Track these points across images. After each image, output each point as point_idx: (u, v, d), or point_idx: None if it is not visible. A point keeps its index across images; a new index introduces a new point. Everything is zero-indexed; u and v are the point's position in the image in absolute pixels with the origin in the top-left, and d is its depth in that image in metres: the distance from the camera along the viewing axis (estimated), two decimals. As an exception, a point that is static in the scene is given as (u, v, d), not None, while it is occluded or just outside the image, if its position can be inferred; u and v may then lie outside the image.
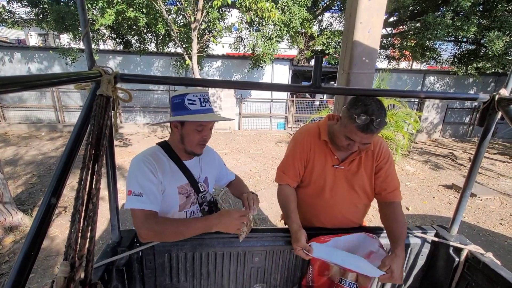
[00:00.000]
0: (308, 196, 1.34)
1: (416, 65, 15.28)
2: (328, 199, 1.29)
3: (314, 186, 1.30)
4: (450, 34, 6.77)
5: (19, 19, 7.15)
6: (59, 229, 3.01)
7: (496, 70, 7.93)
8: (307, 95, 11.33)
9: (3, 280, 2.23)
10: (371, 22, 1.78)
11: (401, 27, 10.04)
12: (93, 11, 5.93)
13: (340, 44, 9.92)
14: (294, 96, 10.27)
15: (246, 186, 1.46)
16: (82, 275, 0.55)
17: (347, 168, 1.25)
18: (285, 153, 1.38)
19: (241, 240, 1.08)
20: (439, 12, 7.50)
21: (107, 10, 5.66)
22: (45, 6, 6.74)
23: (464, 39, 8.72)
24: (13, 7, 7.09)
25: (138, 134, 8.53)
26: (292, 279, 1.29)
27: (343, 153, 1.26)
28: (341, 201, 1.29)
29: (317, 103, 11.05)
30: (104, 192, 0.97)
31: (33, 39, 16.33)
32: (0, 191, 2.81)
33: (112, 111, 0.84)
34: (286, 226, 1.55)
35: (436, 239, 1.27)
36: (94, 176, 0.64)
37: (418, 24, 8.45)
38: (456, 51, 9.58)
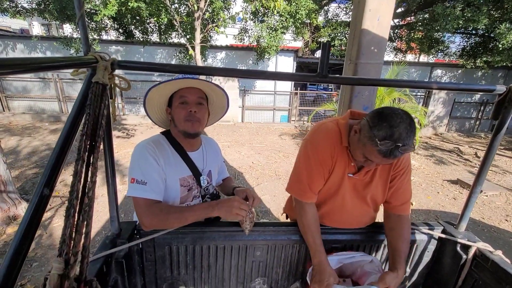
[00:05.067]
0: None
1: (423, 58, 14.95)
2: (335, 208, 1.20)
3: (322, 194, 1.18)
4: (460, 26, 6.55)
5: (21, 9, 7.08)
6: (62, 219, 3.04)
7: (505, 64, 7.71)
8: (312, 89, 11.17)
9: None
10: (380, 10, 1.70)
11: (409, 18, 9.77)
12: (95, 2, 5.85)
13: (346, 35, 9.73)
14: (298, 88, 10.15)
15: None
16: (77, 272, 0.53)
17: (361, 178, 1.11)
18: (300, 158, 1.16)
19: (247, 234, 1.09)
20: (449, 3, 7.27)
21: (110, 0, 5.57)
22: (47, -5, 6.67)
23: (474, 32, 8.47)
24: (15, -4, 7.02)
25: (141, 125, 8.53)
26: (294, 273, 1.27)
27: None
28: (348, 210, 1.19)
29: (325, 96, 10.84)
30: (104, 186, 0.95)
31: (36, 29, 16.22)
32: (4, 180, 2.82)
33: (110, 100, 0.81)
34: (289, 220, 1.54)
35: (443, 235, 1.23)
36: (90, 169, 0.61)
37: (426, 15, 8.21)
38: (465, 43, 9.33)
